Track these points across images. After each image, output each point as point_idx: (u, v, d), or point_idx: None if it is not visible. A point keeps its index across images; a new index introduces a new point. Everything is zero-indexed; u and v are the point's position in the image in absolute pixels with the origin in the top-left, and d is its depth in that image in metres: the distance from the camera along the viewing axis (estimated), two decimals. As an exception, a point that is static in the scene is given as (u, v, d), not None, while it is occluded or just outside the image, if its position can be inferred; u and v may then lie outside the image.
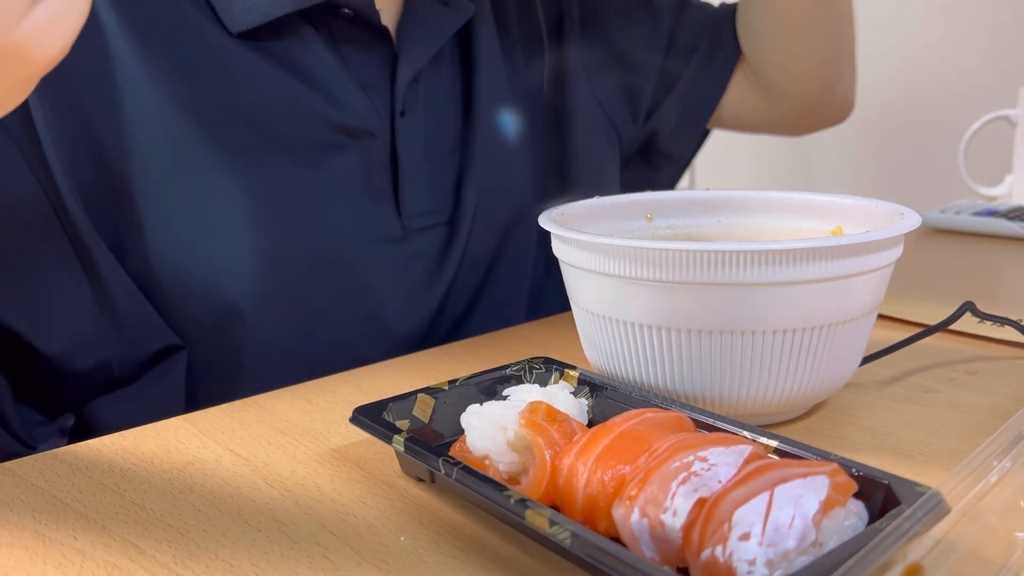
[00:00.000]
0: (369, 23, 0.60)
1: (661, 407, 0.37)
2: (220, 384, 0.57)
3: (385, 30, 0.61)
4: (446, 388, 0.41)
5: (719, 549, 0.27)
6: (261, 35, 0.56)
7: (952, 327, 0.52)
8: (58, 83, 0.49)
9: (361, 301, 0.61)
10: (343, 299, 0.60)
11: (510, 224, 0.70)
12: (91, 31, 0.51)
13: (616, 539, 0.30)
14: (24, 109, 0.49)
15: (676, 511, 0.29)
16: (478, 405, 0.38)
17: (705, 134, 0.88)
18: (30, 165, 0.49)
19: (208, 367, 0.57)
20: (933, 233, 0.93)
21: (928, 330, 0.51)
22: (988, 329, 0.55)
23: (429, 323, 0.65)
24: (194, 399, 0.57)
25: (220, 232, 0.54)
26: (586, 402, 0.41)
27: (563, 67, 0.76)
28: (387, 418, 0.39)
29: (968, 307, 0.52)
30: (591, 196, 0.53)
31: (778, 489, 0.28)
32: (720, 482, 0.30)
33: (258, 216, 0.55)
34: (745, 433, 0.34)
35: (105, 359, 0.54)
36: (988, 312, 0.53)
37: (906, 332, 0.51)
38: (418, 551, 0.33)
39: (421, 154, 0.63)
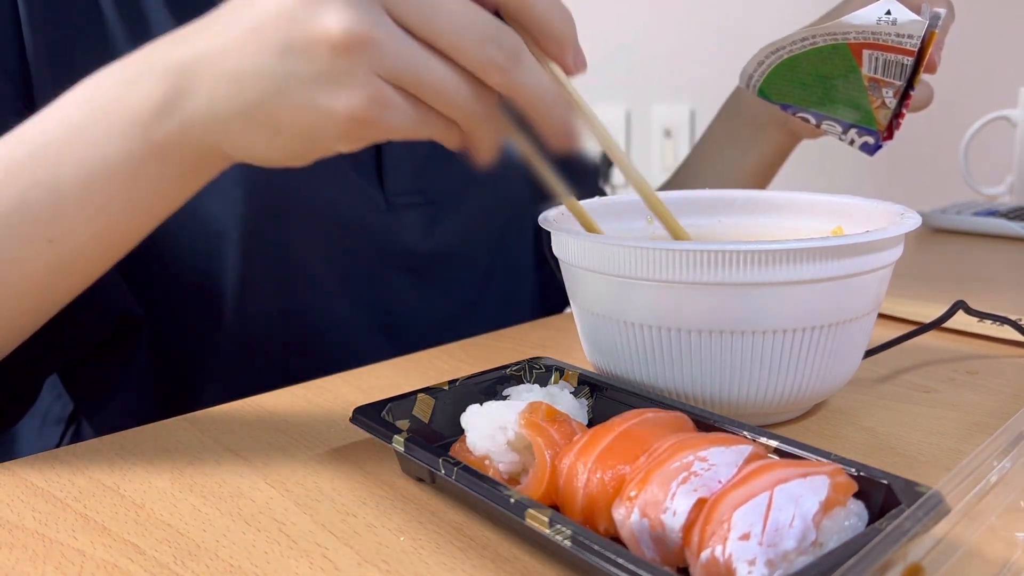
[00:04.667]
0: None
1: (661, 407, 0.37)
2: (197, 359, 0.57)
3: None
4: (446, 388, 0.41)
5: (719, 549, 0.27)
6: None
7: (952, 326, 0.52)
8: (67, 70, 0.51)
9: (347, 267, 0.62)
10: (329, 263, 0.61)
11: (505, 224, 0.69)
12: (94, 21, 0.53)
13: (616, 539, 0.30)
14: (31, 100, 0.51)
15: (676, 511, 0.29)
16: (478, 405, 0.38)
17: None
18: None
19: (187, 341, 0.57)
20: (933, 233, 0.93)
21: (921, 328, 0.51)
22: (988, 328, 0.55)
23: (419, 310, 0.65)
24: (172, 381, 0.58)
25: (211, 192, 0.55)
26: (586, 402, 0.41)
27: None
28: (387, 418, 0.39)
29: (960, 306, 0.52)
30: (590, 196, 0.53)
31: (778, 489, 0.28)
32: (720, 482, 0.30)
33: (250, 176, 0.56)
34: (745, 433, 0.34)
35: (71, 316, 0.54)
36: (988, 312, 0.53)
37: (906, 331, 0.51)
38: (418, 551, 0.33)
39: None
